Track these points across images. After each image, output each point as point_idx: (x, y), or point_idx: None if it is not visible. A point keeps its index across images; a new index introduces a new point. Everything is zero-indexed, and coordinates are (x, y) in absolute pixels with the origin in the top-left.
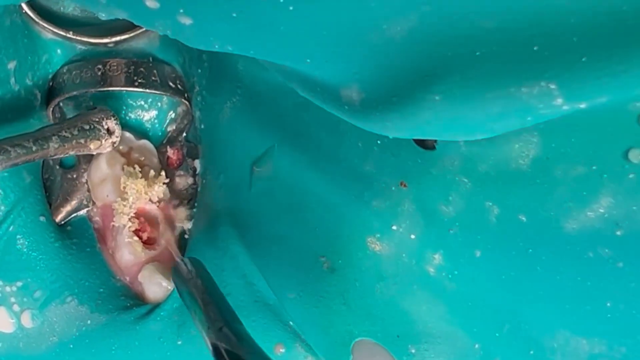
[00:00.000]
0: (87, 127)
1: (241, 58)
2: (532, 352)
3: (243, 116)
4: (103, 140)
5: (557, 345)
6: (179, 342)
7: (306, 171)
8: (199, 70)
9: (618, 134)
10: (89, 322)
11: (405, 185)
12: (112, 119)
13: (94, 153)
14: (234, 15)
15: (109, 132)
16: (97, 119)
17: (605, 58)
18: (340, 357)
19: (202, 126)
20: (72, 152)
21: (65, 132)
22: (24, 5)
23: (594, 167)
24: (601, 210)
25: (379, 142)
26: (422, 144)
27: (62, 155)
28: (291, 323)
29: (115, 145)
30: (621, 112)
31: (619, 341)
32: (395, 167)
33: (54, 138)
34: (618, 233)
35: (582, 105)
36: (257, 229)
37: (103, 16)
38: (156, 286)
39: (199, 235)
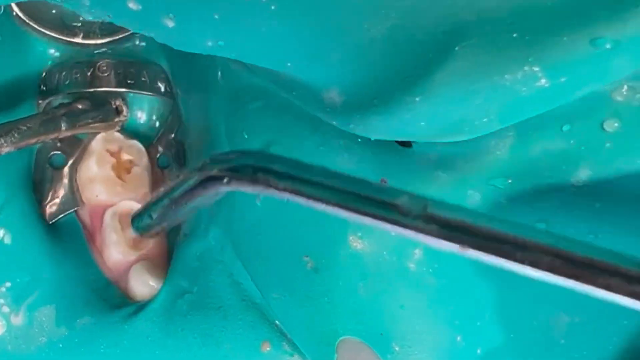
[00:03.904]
0: (96, 106)
1: (225, 59)
2: (512, 335)
3: (227, 116)
4: (111, 119)
5: (537, 323)
6: (167, 341)
7: None
8: (187, 71)
9: (593, 110)
10: (77, 321)
11: (385, 182)
12: (120, 98)
13: (102, 132)
14: (216, 16)
15: (117, 112)
16: (105, 98)
17: (587, 35)
18: (326, 356)
19: (190, 126)
20: (81, 131)
21: (76, 111)
22: (14, 7)
23: (572, 141)
24: (580, 184)
25: (359, 140)
26: (400, 141)
27: (71, 133)
28: (277, 322)
29: (123, 124)
30: (595, 93)
31: (598, 307)
32: (376, 164)
33: (64, 118)
34: (597, 205)
35: (564, 80)
36: (242, 228)
37: (89, 18)
38: (143, 285)
39: (186, 235)
